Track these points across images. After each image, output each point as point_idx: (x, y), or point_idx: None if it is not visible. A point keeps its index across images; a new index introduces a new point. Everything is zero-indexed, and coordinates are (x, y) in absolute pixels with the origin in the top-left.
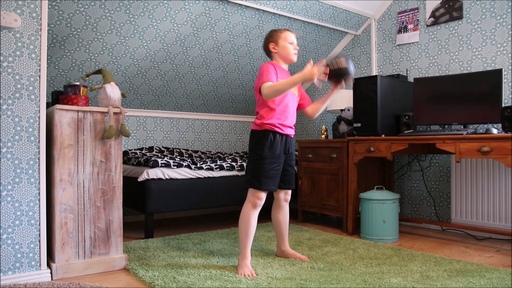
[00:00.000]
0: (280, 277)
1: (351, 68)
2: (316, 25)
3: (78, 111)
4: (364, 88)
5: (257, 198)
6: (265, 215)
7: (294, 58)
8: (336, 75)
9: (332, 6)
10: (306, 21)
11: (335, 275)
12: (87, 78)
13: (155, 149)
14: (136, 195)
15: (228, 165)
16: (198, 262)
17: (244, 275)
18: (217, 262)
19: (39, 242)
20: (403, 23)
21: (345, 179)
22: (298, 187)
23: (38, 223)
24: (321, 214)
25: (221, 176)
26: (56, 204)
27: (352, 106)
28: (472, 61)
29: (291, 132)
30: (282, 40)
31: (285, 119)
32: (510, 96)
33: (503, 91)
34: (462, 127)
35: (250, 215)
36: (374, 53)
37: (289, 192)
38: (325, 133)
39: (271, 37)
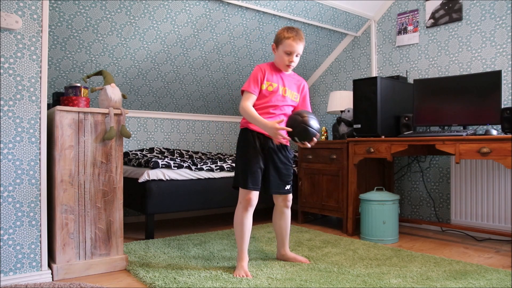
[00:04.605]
0: (280, 278)
1: (311, 133)
2: (316, 26)
3: (79, 112)
4: (364, 89)
5: (247, 200)
6: (266, 216)
7: (286, 70)
8: (300, 139)
9: (332, 8)
10: (306, 23)
11: (335, 276)
12: (87, 80)
13: (156, 150)
14: (137, 196)
15: (229, 166)
16: (199, 263)
17: (239, 276)
18: (218, 263)
19: (40, 242)
20: (403, 24)
21: (345, 180)
22: (298, 188)
23: (39, 223)
24: (321, 215)
25: (221, 177)
26: (57, 205)
27: (352, 107)
28: (471, 63)
29: None
30: (281, 47)
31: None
32: (510, 97)
33: (502, 92)
34: (461, 128)
35: (243, 217)
36: (374, 55)
37: (288, 197)
38: (325, 134)
39: (276, 37)
